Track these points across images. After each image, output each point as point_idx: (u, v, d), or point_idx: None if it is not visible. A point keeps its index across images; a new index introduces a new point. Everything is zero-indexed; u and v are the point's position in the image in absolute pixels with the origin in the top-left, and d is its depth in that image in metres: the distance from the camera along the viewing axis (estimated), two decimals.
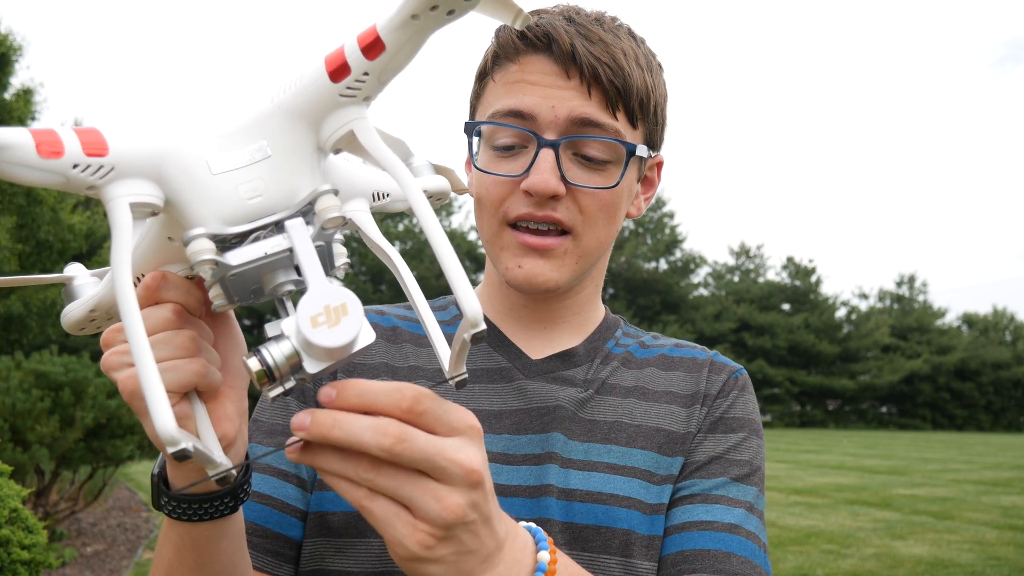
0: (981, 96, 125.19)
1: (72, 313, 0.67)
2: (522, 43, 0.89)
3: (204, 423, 0.62)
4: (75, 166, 0.50)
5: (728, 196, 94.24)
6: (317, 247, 0.55)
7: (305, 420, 0.52)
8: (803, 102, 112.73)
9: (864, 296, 49.92)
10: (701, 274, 45.87)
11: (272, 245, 0.54)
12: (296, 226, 0.54)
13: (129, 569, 6.04)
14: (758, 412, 1.00)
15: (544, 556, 0.63)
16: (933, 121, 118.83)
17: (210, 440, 0.62)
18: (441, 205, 0.69)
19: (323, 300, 0.51)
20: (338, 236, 0.57)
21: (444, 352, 0.56)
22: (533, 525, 0.66)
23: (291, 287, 0.56)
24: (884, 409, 46.30)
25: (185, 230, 0.54)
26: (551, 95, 0.88)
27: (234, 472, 0.60)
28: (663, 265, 42.62)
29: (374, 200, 0.65)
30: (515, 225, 0.92)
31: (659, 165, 1.02)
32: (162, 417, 0.48)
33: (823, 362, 43.45)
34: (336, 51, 0.54)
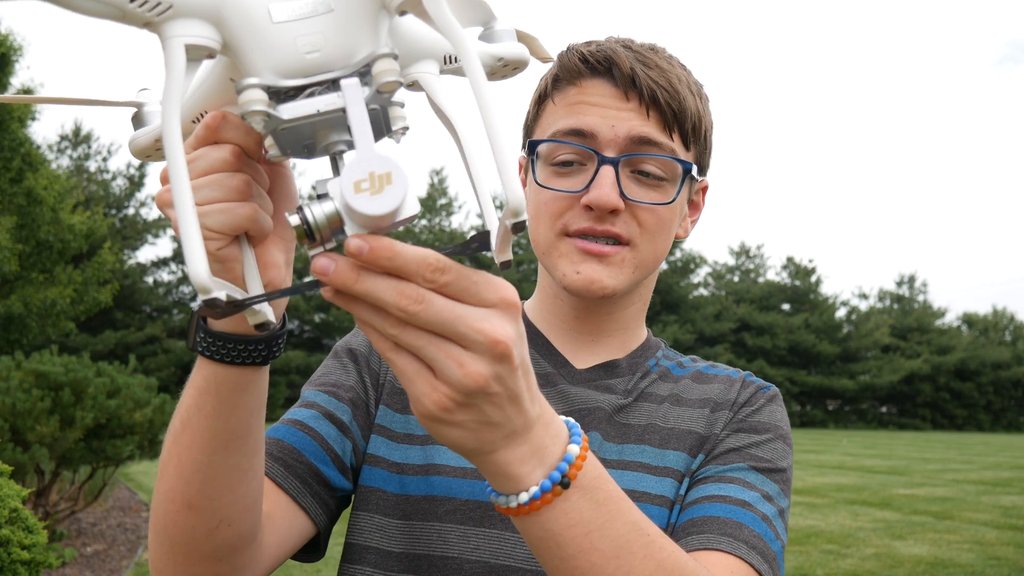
0: (982, 96, 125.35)
1: (139, 139, 0.66)
2: (584, 66, 0.94)
3: (251, 268, 0.63)
4: (132, 0, 0.48)
5: (728, 196, 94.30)
6: (371, 110, 0.54)
7: (328, 266, 0.51)
8: (803, 102, 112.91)
9: (864, 296, 49.93)
10: (701, 274, 45.89)
11: (325, 103, 0.52)
12: (351, 86, 0.52)
13: (129, 569, 6.04)
14: (787, 424, 1.01)
15: (574, 449, 0.61)
16: (934, 121, 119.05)
17: (254, 285, 0.62)
18: (518, 73, 0.66)
19: (368, 166, 0.50)
20: (398, 99, 0.56)
21: (495, 233, 0.54)
22: (572, 420, 0.65)
23: (344, 147, 0.55)
24: (884, 409, 46.31)
25: (241, 77, 0.53)
26: (611, 115, 0.93)
27: (272, 321, 0.60)
28: (663, 265, 42.36)
29: (445, 63, 0.63)
30: (571, 236, 0.95)
31: (704, 189, 1.06)
32: (195, 264, 0.49)
33: (823, 362, 43.46)
34: None
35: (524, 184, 1.03)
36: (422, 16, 0.54)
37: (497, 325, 0.53)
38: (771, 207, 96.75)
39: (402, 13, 0.54)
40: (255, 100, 0.51)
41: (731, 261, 46.93)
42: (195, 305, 0.67)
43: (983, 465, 17.04)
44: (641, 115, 0.93)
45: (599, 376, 1.01)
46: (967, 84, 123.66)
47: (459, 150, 0.57)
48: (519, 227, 0.51)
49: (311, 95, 0.53)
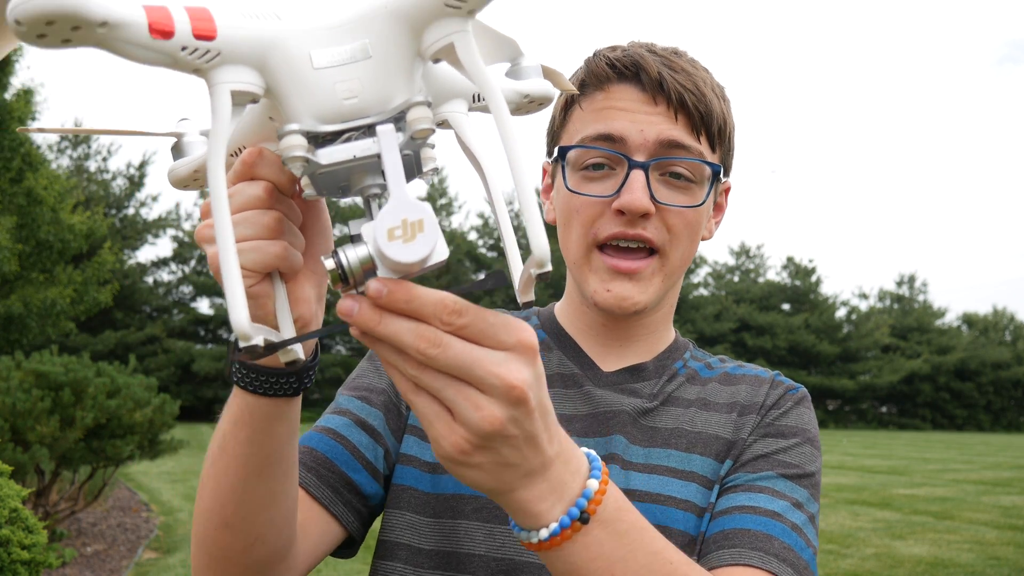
0: (982, 96, 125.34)
1: (178, 170, 0.68)
2: (612, 71, 0.95)
3: (282, 304, 0.64)
4: (183, 48, 0.50)
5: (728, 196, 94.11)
6: (405, 156, 0.56)
7: (352, 308, 0.53)
8: (803, 102, 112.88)
9: (864, 296, 49.88)
10: (701, 274, 45.85)
11: (362, 148, 0.54)
12: (386, 133, 0.54)
13: (129, 569, 6.04)
14: (816, 426, 1.01)
15: (593, 484, 0.62)
16: (934, 121, 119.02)
17: (285, 321, 0.64)
18: (544, 108, 0.68)
19: (401, 213, 0.51)
20: (430, 141, 0.58)
21: (517, 271, 0.56)
22: (593, 452, 0.66)
23: (377, 190, 0.57)
24: (884, 409, 46.29)
25: (282, 119, 0.55)
26: (640, 120, 0.94)
27: (302, 358, 0.62)
28: None
29: (474, 101, 0.65)
30: (602, 247, 0.96)
31: (727, 190, 1.07)
32: (238, 312, 0.51)
33: (823, 362, 43.44)
34: None
35: (550, 189, 1.04)
36: (455, 64, 0.55)
37: (513, 369, 0.54)
38: (771, 207, 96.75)
39: (436, 60, 0.56)
40: (295, 146, 0.53)
41: (731, 261, 46.93)
42: (232, 338, 0.70)
43: (983, 465, 17.03)
44: (669, 119, 0.94)
45: (625, 379, 1.01)
46: (967, 84, 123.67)
47: (485, 188, 0.58)
48: (543, 277, 0.53)
49: (348, 140, 0.55)
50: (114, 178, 31.73)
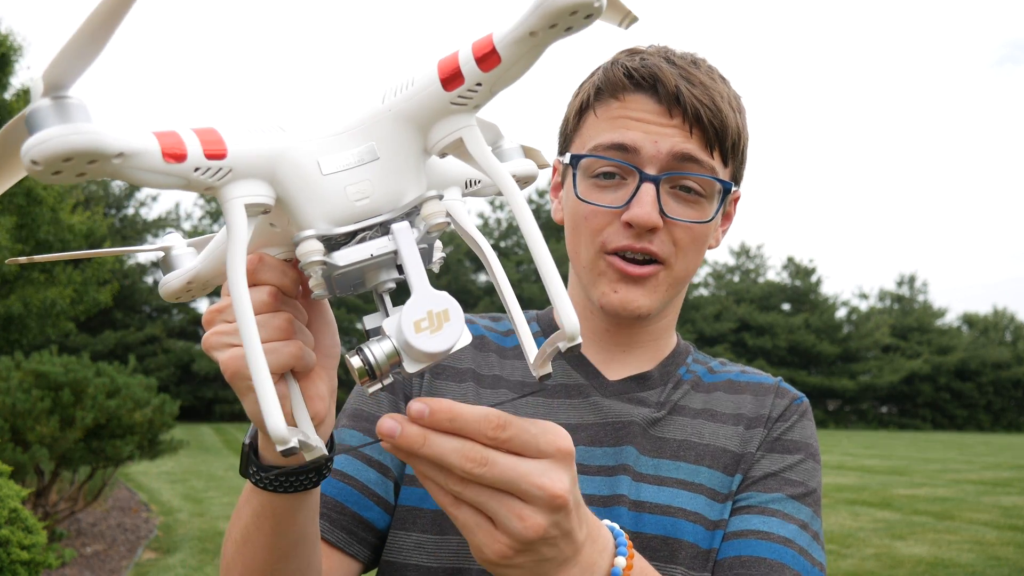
0: (981, 97, 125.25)
1: (170, 283, 0.70)
2: (629, 81, 0.95)
3: (298, 403, 0.65)
4: (196, 169, 0.51)
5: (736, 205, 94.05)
6: (420, 249, 0.57)
7: (395, 429, 0.55)
8: (803, 102, 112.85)
9: (864, 296, 49.89)
10: (701, 274, 45.83)
11: (378, 247, 0.56)
12: (402, 230, 0.56)
13: (129, 569, 6.04)
14: (816, 439, 1.03)
15: (620, 561, 0.65)
16: (933, 121, 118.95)
17: (303, 420, 0.65)
18: (527, 186, 0.70)
19: (427, 306, 0.54)
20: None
21: (531, 348, 0.58)
22: (616, 527, 0.68)
23: (392, 285, 0.59)
24: (884, 409, 46.28)
25: (294, 227, 0.57)
26: (654, 131, 0.93)
27: (326, 453, 0.63)
28: None
29: (466, 187, 0.67)
30: (609, 253, 0.96)
31: (736, 200, 1.07)
32: (274, 418, 0.52)
33: (823, 362, 43.43)
34: (450, 58, 0.54)
35: (559, 188, 1.04)
36: (464, 158, 0.57)
37: (556, 479, 0.57)
38: (771, 207, 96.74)
39: (443, 155, 0.58)
40: (313, 251, 0.55)
41: (731, 261, 46.95)
42: (246, 440, 0.73)
43: (983, 465, 17.03)
44: (684, 133, 0.93)
45: (631, 388, 1.01)
46: (966, 84, 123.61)
47: (488, 269, 0.60)
48: (573, 350, 0.55)
49: (362, 240, 0.57)
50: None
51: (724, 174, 0.97)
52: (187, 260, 0.70)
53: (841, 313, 46.76)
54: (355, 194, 0.55)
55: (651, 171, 0.93)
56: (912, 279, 50.49)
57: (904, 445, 25.07)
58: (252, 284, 0.62)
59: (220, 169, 0.52)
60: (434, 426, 0.55)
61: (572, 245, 1.00)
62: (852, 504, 10.25)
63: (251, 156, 0.53)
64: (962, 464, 17.23)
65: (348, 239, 0.56)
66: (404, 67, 0.57)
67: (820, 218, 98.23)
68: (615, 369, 1.03)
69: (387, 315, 0.59)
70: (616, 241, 0.94)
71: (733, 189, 1.00)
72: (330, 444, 0.73)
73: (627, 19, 0.55)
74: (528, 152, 0.71)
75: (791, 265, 45.87)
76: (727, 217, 1.06)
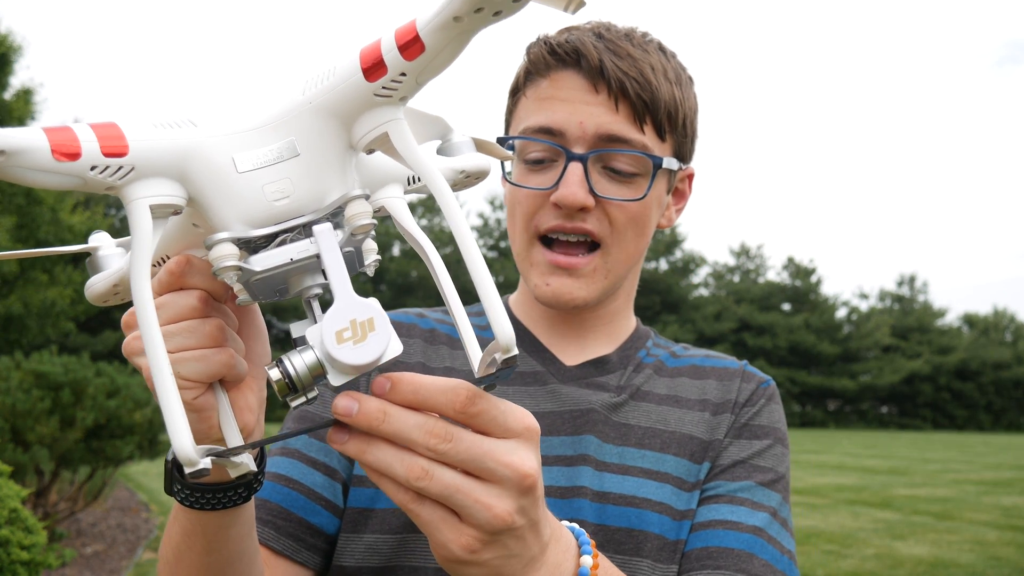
0: (981, 97, 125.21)
1: (96, 286, 0.65)
2: (553, 59, 0.92)
3: (226, 415, 0.61)
4: (93, 168, 0.47)
5: (728, 196, 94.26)
6: (346, 253, 0.53)
7: (352, 407, 0.51)
8: (803, 102, 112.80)
9: (864, 296, 49.92)
10: (701, 274, 45.90)
11: (298, 250, 0.52)
12: (324, 232, 0.51)
13: (129, 569, 6.04)
14: (784, 423, 1.01)
15: (587, 560, 0.63)
16: (933, 121, 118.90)
17: (231, 432, 0.60)
18: (481, 181, 0.66)
19: (349, 314, 0.49)
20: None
21: (475, 352, 0.54)
22: (576, 527, 0.66)
23: (318, 290, 0.54)
24: (884, 409, 46.28)
25: (209, 228, 0.53)
26: (579, 111, 0.90)
27: (254, 470, 0.59)
28: (663, 265, 42.63)
29: (409, 183, 0.62)
30: (545, 239, 0.94)
31: (690, 177, 1.04)
32: (180, 438, 0.48)
33: (823, 362, 43.43)
34: (372, 46, 0.50)
35: (504, 183, 1.00)
36: (390, 152, 0.53)
37: (524, 458, 0.53)
38: (771, 207, 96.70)
39: (370, 151, 0.54)
40: (226, 255, 0.51)
41: (731, 261, 46.96)
42: (169, 456, 0.68)
43: (984, 465, 17.03)
44: (610, 108, 0.90)
45: (590, 373, 0.99)
46: (967, 85, 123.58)
47: (431, 271, 0.55)
48: (510, 362, 0.50)
49: (282, 243, 0.52)
50: None
51: (661, 149, 0.93)
52: (114, 261, 0.65)
53: (841, 313, 46.79)
54: (274, 193, 0.51)
55: (579, 151, 0.90)
56: (912, 279, 50.50)
57: (904, 445, 25.06)
58: (179, 288, 0.58)
59: (120, 168, 0.48)
60: (397, 400, 0.51)
61: (510, 231, 0.98)
62: (852, 504, 10.24)
63: (157, 152, 0.49)
64: (962, 464, 17.23)
65: (267, 242, 0.52)
66: (326, 55, 0.53)
67: (820, 218, 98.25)
68: (572, 354, 1.00)
69: (315, 322, 0.54)
70: (547, 222, 0.92)
71: (682, 167, 0.97)
72: (260, 457, 0.68)
73: (573, 4, 0.49)
74: (480, 145, 0.66)
75: (791, 265, 45.87)
76: (680, 195, 1.03)
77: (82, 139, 0.46)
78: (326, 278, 0.52)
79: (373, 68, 0.49)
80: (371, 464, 0.53)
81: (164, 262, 0.63)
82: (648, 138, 0.92)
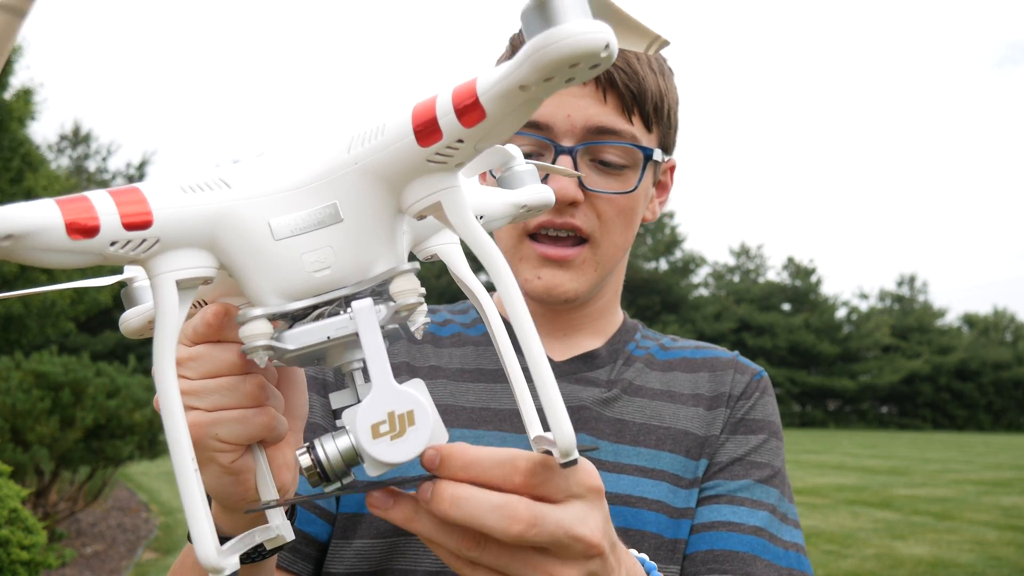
0: (981, 97, 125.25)
1: (131, 321, 0.61)
2: None
3: (263, 474, 0.57)
4: (113, 243, 0.42)
5: (728, 196, 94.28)
6: (388, 331, 0.49)
7: (435, 459, 0.47)
8: (803, 102, 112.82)
9: (864, 296, 49.91)
10: (701, 274, 45.89)
11: (336, 327, 0.47)
12: (364, 311, 0.46)
13: (129, 569, 6.04)
14: (778, 414, 1.00)
15: None
16: (933, 122, 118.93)
17: (268, 494, 0.57)
18: (541, 214, 0.61)
19: (388, 405, 0.45)
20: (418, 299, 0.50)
21: (533, 423, 0.51)
22: (644, 557, 0.63)
23: (359, 365, 0.50)
24: (884, 409, 46.28)
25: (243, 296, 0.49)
26: (566, 103, 0.89)
27: (291, 538, 0.55)
28: (663, 265, 42.64)
29: None
30: (533, 235, 0.93)
31: (672, 169, 1.03)
32: (204, 544, 0.44)
33: (823, 362, 43.43)
34: (426, 106, 0.44)
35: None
36: (443, 221, 0.48)
37: (595, 525, 0.49)
38: (771, 207, 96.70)
39: (420, 218, 0.48)
40: (257, 335, 0.47)
41: (731, 261, 46.96)
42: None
43: (984, 465, 17.03)
44: (598, 100, 0.89)
45: (579, 368, 0.98)
46: (966, 85, 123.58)
47: (487, 325, 0.52)
48: (568, 466, 0.46)
49: (320, 316, 0.48)
50: (114, 178, 31.73)
51: (648, 140, 0.92)
52: (150, 293, 0.59)
53: (841, 313, 46.80)
54: (313, 264, 0.46)
55: (567, 144, 0.89)
56: (912, 279, 50.51)
57: (904, 445, 25.06)
58: (217, 341, 0.54)
59: (144, 240, 0.43)
60: (447, 476, 0.47)
61: (496, 230, 0.98)
62: (852, 504, 10.24)
63: (185, 221, 0.44)
64: (962, 464, 17.23)
65: (304, 313, 0.48)
66: (375, 107, 0.47)
67: (820, 218, 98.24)
68: (560, 350, 0.99)
69: (357, 397, 0.50)
70: (537, 218, 0.90)
71: (666, 158, 0.96)
72: (291, 511, 0.65)
73: (655, 44, 0.45)
74: (546, 171, 0.61)
75: (791, 265, 45.88)
76: (662, 188, 1.02)
77: (100, 211, 0.41)
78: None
79: (427, 132, 0.44)
80: (421, 534, 0.49)
81: (200, 305, 0.60)
82: (636, 129, 0.91)
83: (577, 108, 0.89)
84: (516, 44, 0.94)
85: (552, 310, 0.98)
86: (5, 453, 5.56)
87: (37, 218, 0.39)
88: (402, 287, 0.48)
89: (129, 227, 0.42)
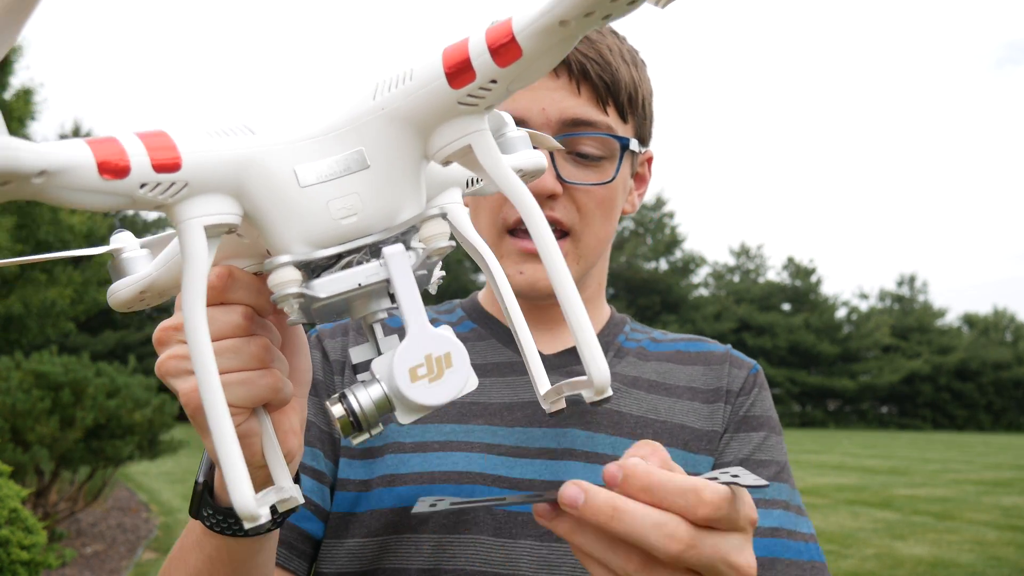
0: (981, 98, 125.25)
1: (120, 292, 0.60)
2: None
3: (270, 442, 0.56)
4: (143, 185, 0.41)
5: (728, 196, 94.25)
6: (418, 276, 0.49)
7: (578, 498, 0.48)
8: (803, 102, 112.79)
9: (864, 296, 49.88)
10: (701, 274, 45.87)
11: (367, 274, 0.47)
12: (397, 256, 0.46)
13: (129, 569, 6.04)
14: (774, 407, 1.01)
15: None
16: (933, 122, 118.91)
17: (275, 461, 0.56)
18: (536, 179, 0.61)
19: (424, 348, 0.45)
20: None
21: (541, 380, 0.50)
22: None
23: (384, 315, 0.50)
24: (884, 409, 46.26)
25: (266, 248, 0.48)
26: (540, 96, 0.89)
27: (302, 500, 0.54)
28: (663, 265, 42.62)
29: (467, 186, 0.58)
30: (513, 231, 0.92)
31: (649, 160, 1.02)
32: (241, 490, 0.43)
33: (823, 362, 43.41)
34: (458, 47, 0.43)
35: None
36: (472, 167, 0.48)
37: (748, 556, 0.50)
38: (771, 207, 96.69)
39: (447, 163, 0.48)
40: (287, 282, 0.46)
41: (731, 261, 46.93)
42: (200, 479, 0.64)
43: (984, 465, 17.02)
44: (572, 92, 0.89)
45: (570, 362, 0.97)
46: (966, 85, 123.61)
47: (493, 286, 0.52)
48: (597, 404, 0.48)
49: (348, 264, 0.47)
50: None
51: (624, 131, 0.92)
52: (140, 264, 0.59)
53: (841, 313, 46.78)
54: (340, 210, 0.46)
55: None
56: (912, 279, 50.49)
57: (904, 445, 25.06)
58: (221, 303, 0.53)
59: (173, 184, 0.42)
60: (628, 494, 0.47)
61: (475, 225, 0.96)
62: (852, 504, 10.24)
63: (212, 166, 0.44)
64: (962, 464, 17.23)
65: (332, 263, 0.47)
66: (401, 55, 0.47)
67: (820, 218, 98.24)
68: (549, 344, 0.98)
69: (378, 350, 0.50)
70: (515, 213, 0.89)
71: (642, 150, 0.96)
72: (297, 477, 0.65)
73: None
74: (534, 138, 0.61)
75: (791, 265, 45.87)
76: (641, 180, 1.02)
77: (130, 152, 0.41)
78: (394, 302, 0.48)
79: (459, 73, 0.43)
80: (581, 547, 0.49)
81: None
82: (612, 120, 0.91)
83: (551, 101, 0.88)
84: None
85: (537, 305, 0.98)
86: (5, 453, 5.56)
87: (70, 156, 0.39)
88: (432, 231, 0.48)
89: (159, 169, 0.42)
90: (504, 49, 0.42)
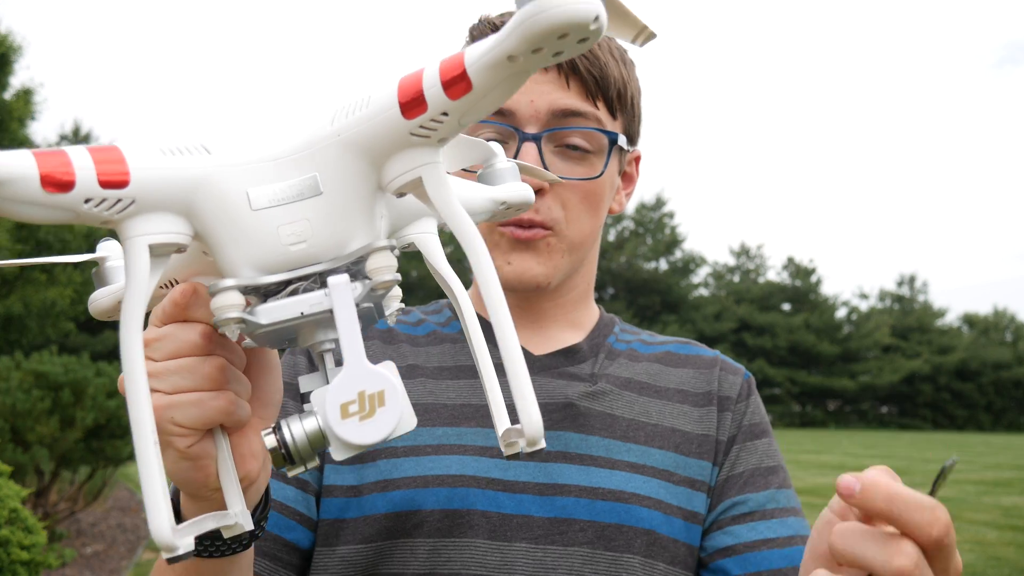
0: (981, 98, 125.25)
1: (101, 300, 0.59)
2: None
3: (225, 464, 0.55)
4: (87, 200, 0.41)
5: (728, 196, 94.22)
6: (364, 308, 0.48)
7: (854, 486, 0.50)
8: (803, 102, 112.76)
9: (864, 296, 49.87)
10: (701, 274, 45.84)
11: (310, 303, 0.46)
12: (339, 287, 0.45)
13: (129, 569, 6.04)
14: (764, 410, 1.02)
15: None
16: (933, 122, 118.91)
17: (229, 484, 0.55)
18: (521, 212, 0.61)
19: (359, 385, 0.44)
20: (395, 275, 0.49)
21: (501, 422, 0.50)
22: None
23: (331, 346, 0.49)
24: (884, 409, 46.25)
25: (216, 269, 0.48)
26: (529, 89, 0.88)
27: (249, 528, 0.53)
28: (663, 265, 42.59)
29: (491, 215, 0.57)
30: (502, 225, 0.92)
31: (637, 160, 1.02)
32: (157, 522, 0.42)
33: (823, 362, 43.39)
34: (413, 78, 0.43)
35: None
36: (422, 199, 0.47)
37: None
38: (771, 207, 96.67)
39: (400, 195, 0.47)
40: (229, 306, 0.45)
41: (731, 261, 46.91)
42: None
43: (984, 465, 17.03)
44: (561, 85, 0.88)
45: (560, 363, 0.96)
46: (966, 85, 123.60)
47: (460, 318, 0.52)
48: (535, 456, 0.47)
49: (295, 292, 0.47)
50: None
51: (612, 126, 0.91)
52: (122, 274, 0.58)
53: (841, 313, 46.78)
54: (290, 236, 0.45)
55: (532, 130, 0.88)
56: (912, 279, 50.48)
57: (904, 445, 25.06)
58: (184, 319, 0.53)
59: (119, 200, 0.42)
60: (863, 505, 0.49)
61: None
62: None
63: (162, 184, 0.43)
64: (962, 464, 17.23)
65: (278, 288, 0.47)
66: (363, 82, 0.46)
67: (820, 218, 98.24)
68: (539, 344, 0.97)
69: (326, 380, 0.49)
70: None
71: (630, 148, 0.96)
72: (265, 499, 0.64)
73: (642, 35, 0.45)
74: (527, 171, 0.61)
75: (791, 265, 45.86)
76: (629, 179, 1.01)
77: (77, 166, 0.40)
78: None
79: (412, 104, 0.43)
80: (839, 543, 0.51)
81: (172, 285, 0.59)
82: (601, 113, 0.90)
83: (540, 93, 0.88)
84: (475, 35, 0.93)
85: (525, 300, 0.97)
86: (5, 453, 5.56)
87: (12, 167, 0.39)
88: (378, 264, 0.47)
89: (105, 185, 0.41)
90: (455, 82, 0.42)
